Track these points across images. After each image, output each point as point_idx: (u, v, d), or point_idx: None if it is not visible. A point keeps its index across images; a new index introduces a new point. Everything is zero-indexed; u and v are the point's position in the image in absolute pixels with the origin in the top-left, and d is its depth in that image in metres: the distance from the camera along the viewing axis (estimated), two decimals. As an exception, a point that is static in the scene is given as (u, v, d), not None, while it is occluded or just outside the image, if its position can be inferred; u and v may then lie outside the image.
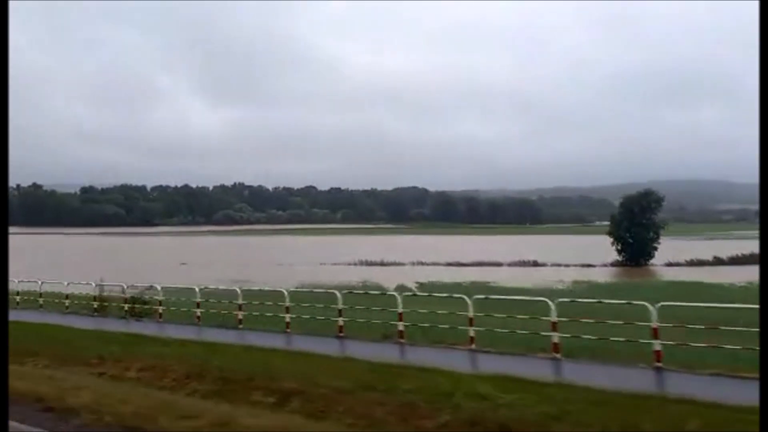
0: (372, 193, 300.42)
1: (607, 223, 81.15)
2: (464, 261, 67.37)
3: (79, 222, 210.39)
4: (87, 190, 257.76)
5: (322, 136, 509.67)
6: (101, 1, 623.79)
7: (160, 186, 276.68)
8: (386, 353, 12.65)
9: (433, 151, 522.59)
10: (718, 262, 67.43)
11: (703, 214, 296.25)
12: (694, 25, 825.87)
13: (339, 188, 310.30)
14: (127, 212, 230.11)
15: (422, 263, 66.80)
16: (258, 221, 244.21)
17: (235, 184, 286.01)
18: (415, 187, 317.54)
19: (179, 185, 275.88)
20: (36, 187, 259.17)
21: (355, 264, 67.78)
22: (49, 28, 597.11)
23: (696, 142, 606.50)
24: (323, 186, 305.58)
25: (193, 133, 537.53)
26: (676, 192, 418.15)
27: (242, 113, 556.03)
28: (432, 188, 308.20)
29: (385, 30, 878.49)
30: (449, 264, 65.90)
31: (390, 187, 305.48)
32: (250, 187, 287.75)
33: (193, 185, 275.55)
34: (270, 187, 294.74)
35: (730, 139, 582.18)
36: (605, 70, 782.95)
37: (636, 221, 70.70)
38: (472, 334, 13.76)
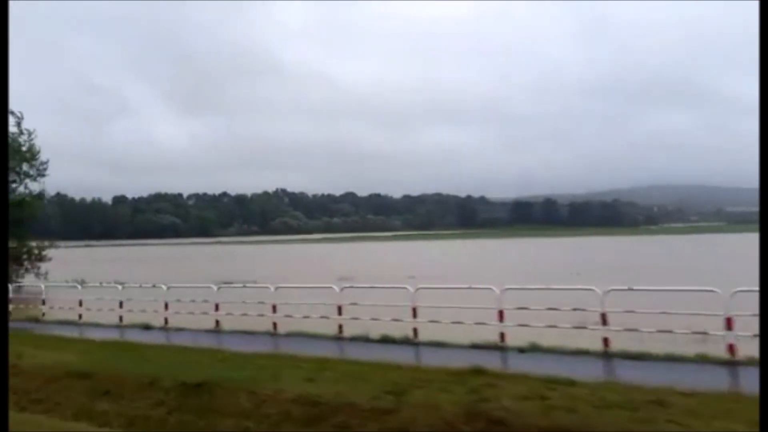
0: (417, 199, 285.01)
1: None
2: None
3: (132, 233, 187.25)
4: (120, 200, 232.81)
5: (316, 143, 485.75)
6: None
7: (197, 194, 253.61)
8: None
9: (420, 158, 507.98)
10: None
11: (720, 215, 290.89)
12: (666, 33, 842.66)
13: (378, 194, 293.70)
14: (183, 222, 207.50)
15: None
16: (316, 229, 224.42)
17: (276, 190, 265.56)
18: (439, 194, 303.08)
19: (217, 193, 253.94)
20: (60, 196, 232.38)
21: None
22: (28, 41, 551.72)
23: (673, 147, 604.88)
24: (362, 192, 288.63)
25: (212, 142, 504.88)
26: (667, 196, 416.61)
27: (252, 123, 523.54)
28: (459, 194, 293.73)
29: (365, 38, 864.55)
30: None
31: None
32: (291, 194, 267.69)
33: (232, 192, 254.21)
34: (310, 193, 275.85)
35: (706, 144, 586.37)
36: (577, 75, 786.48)
37: None
38: None
